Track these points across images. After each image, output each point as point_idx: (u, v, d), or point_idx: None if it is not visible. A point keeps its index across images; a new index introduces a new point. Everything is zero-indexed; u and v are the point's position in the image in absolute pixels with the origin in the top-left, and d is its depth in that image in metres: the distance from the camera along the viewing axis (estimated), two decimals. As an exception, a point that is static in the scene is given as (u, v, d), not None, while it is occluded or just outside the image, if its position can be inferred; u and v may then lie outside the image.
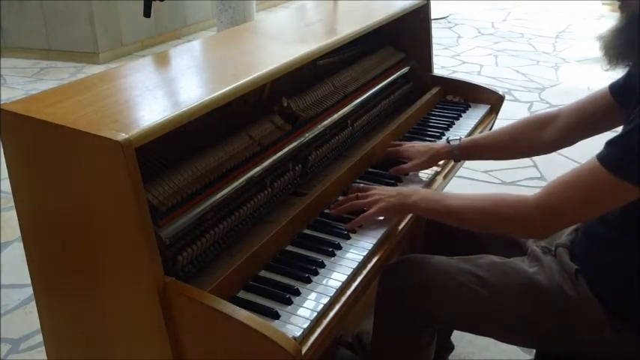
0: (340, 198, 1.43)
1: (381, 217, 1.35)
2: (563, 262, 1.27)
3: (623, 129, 1.10)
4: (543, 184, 3.16)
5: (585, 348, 1.23)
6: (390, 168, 1.57)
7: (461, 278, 1.29)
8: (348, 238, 1.30)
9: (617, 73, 1.25)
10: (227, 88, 1.16)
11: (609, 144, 1.09)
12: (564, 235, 1.34)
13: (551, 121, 1.46)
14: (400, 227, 1.36)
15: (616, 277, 1.20)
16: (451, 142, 1.58)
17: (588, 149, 1.25)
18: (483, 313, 1.28)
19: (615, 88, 1.33)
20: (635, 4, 1.08)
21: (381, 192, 1.35)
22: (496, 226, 1.25)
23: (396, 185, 1.52)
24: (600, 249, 1.23)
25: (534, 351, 1.42)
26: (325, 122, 1.52)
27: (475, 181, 3.04)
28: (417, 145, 1.62)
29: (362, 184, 1.45)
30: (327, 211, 1.39)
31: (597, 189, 1.09)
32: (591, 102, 1.39)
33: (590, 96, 1.40)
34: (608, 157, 1.08)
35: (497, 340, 1.36)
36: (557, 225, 1.20)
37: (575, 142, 1.46)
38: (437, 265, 1.33)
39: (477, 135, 1.58)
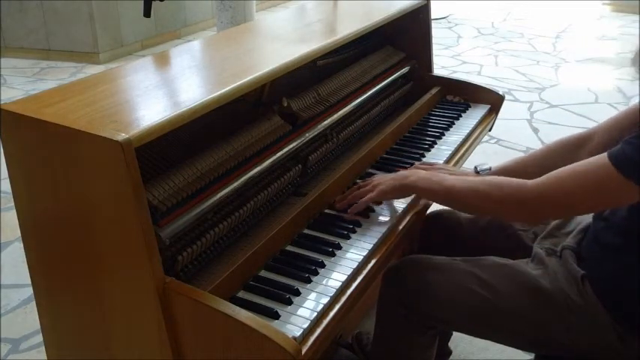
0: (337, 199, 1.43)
1: (385, 209, 1.36)
2: (569, 266, 1.25)
3: None
4: (543, 183, 3.15)
5: (587, 354, 1.22)
6: None
7: (463, 280, 1.29)
8: (348, 238, 1.30)
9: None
10: (227, 88, 1.16)
11: (625, 142, 1.08)
12: (570, 237, 1.33)
13: (584, 143, 1.42)
14: (400, 227, 1.36)
15: (626, 284, 1.18)
16: (481, 173, 1.50)
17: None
18: (485, 316, 1.27)
19: None
20: None
21: (381, 177, 1.38)
22: (495, 210, 1.25)
23: None
24: (610, 256, 1.21)
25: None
26: (325, 122, 1.52)
27: (475, 181, 3.03)
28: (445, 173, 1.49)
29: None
30: (328, 211, 1.39)
31: (600, 184, 1.08)
32: (626, 117, 1.36)
33: (623, 111, 1.38)
34: (619, 154, 1.06)
35: (499, 342, 1.35)
36: (555, 212, 1.19)
37: None
38: (439, 265, 1.33)
39: (506, 163, 1.52)
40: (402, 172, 1.37)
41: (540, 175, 1.46)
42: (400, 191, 1.35)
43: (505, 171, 1.48)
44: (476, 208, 1.29)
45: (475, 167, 1.52)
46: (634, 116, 1.35)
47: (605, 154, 1.08)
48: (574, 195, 1.11)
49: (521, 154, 3.12)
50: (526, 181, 1.17)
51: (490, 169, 1.50)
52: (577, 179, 1.10)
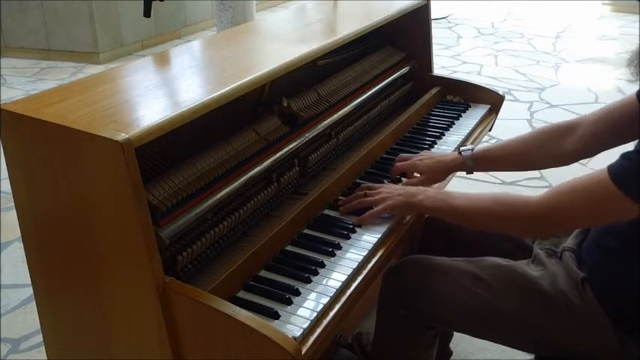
0: (341, 198, 1.44)
1: (387, 215, 1.36)
2: (569, 269, 1.25)
3: None
4: (543, 183, 3.16)
5: (587, 356, 1.22)
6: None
7: (463, 280, 1.29)
8: (348, 238, 1.30)
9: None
10: (227, 88, 1.16)
11: (623, 156, 1.07)
12: (570, 238, 1.32)
13: (570, 131, 1.40)
14: (400, 227, 1.36)
15: (626, 287, 1.18)
16: (463, 154, 1.50)
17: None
18: (485, 316, 1.27)
19: None
20: None
21: (389, 190, 1.36)
22: (500, 227, 1.27)
23: None
24: (610, 259, 1.21)
25: (534, 352, 1.41)
26: (325, 122, 1.52)
27: (475, 181, 3.03)
28: (427, 160, 1.53)
29: (370, 184, 1.44)
30: (328, 212, 1.39)
31: (602, 200, 1.08)
32: (617, 110, 1.33)
33: (615, 104, 1.34)
34: (618, 169, 1.06)
35: (499, 343, 1.35)
36: (559, 228, 1.22)
37: (598, 152, 1.39)
38: (439, 266, 1.33)
39: (491, 145, 1.52)
40: (410, 190, 1.35)
41: (523, 162, 1.50)
42: (407, 208, 1.35)
43: (489, 154, 1.50)
44: (484, 226, 1.31)
45: (458, 148, 1.56)
46: (622, 111, 1.32)
47: (605, 169, 1.08)
48: (578, 211, 1.12)
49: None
50: (530, 198, 1.18)
51: (472, 149, 1.51)
52: (580, 194, 1.11)
